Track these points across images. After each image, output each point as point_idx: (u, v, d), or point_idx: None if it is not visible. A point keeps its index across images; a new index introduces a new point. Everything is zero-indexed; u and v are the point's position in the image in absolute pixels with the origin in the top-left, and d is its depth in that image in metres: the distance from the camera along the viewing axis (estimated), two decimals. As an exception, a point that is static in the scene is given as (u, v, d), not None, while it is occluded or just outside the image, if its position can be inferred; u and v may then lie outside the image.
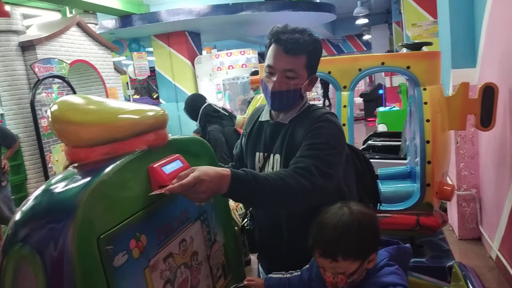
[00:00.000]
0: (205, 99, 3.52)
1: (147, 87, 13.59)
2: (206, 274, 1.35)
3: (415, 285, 1.41)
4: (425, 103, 2.46)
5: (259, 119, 1.55)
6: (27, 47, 5.03)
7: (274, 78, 1.37)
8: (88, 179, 0.93)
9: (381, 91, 10.51)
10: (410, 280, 1.43)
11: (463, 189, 3.54)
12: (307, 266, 1.34)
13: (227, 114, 3.42)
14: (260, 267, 1.70)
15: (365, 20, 12.62)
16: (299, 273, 1.36)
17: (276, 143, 1.45)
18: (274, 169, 1.43)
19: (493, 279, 2.92)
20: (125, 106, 1.17)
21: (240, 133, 3.14)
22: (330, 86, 11.08)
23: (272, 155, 1.46)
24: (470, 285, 1.23)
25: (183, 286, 1.21)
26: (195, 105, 3.45)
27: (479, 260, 3.20)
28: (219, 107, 3.47)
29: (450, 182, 3.37)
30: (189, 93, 9.37)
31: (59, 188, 0.95)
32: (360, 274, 1.09)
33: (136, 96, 12.57)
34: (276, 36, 1.35)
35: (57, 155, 5.27)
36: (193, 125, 3.62)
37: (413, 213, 2.55)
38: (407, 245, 1.23)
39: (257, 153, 1.51)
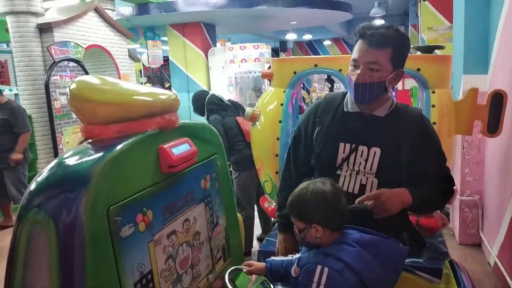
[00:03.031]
0: (209, 91, 3.62)
1: (159, 76, 13.68)
2: (206, 254, 1.40)
3: (406, 280, 1.45)
4: (433, 106, 2.47)
5: (343, 109, 1.52)
6: (45, 29, 5.12)
7: (358, 71, 1.39)
8: (102, 153, 0.99)
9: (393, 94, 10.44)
10: (403, 275, 1.48)
11: (466, 195, 3.55)
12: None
13: (230, 104, 3.48)
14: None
15: (382, 21, 12.55)
16: (299, 255, 1.42)
17: (372, 136, 1.44)
18: (369, 162, 1.43)
19: (489, 285, 2.94)
20: (139, 88, 1.23)
21: (246, 127, 3.20)
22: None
23: (366, 148, 1.45)
24: (460, 281, 1.27)
25: (184, 263, 1.27)
26: (201, 98, 3.54)
27: (477, 265, 3.22)
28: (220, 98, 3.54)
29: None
30: (201, 84, 9.46)
31: (73, 160, 1.01)
32: (312, 237, 1.27)
33: (148, 85, 12.67)
34: (362, 32, 1.39)
35: (68, 137, 5.37)
36: (202, 119, 3.70)
37: (413, 214, 2.58)
38: (403, 246, 1.32)
39: (342, 144, 1.47)
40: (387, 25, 1.41)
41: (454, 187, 1.73)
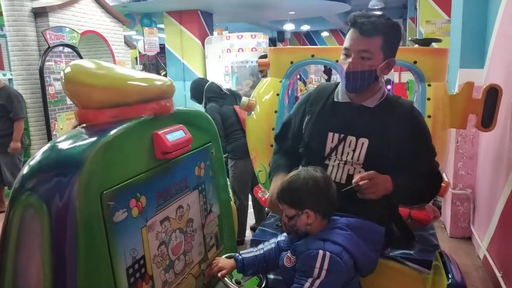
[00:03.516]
0: (207, 80, 3.62)
1: (155, 64, 13.57)
2: (199, 241, 1.41)
3: (397, 271, 1.47)
4: (428, 99, 2.48)
5: (334, 99, 1.53)
6: (39, 13, 5.04)
7: (350, 60, 1.40)
8: (96, 138, 0.99)
9: (389, 87, 10.47)
10: (394, 266, 1.50)
11: (459, 188, 3.58)
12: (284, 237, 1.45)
13: (228, 93, 3.49)
14: None
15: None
16: (273, 245, 1.44)
17: (360, 126, 1.45)
18: (357, 152, 1.44)
19: (478, 278, 2.99)
20: (134, 73, 1.22)
21: (243, 115, 3.21)
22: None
23: (354, 138, 1.45)
24: (450, 272, 1.29)
25: (176, 250, 1.27)
26: (200, 86, 3.54)
27: (467, 258, 3.26)
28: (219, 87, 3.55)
29: (446, 179, 3.41)
30: (197, 73, 9.40)
31: (67, 144, 1.01)
32: (302, 224, 1.29)
33: (144, 72, 12.54)
34: (353, 20, 1.39)
35: (62, 123, 5.33)
36: (197, 105, 3.70)
37: (404, 206, 2.60)
38: (380, 226, 1.36)
39: (330, 133, 1.48)
40: (378, 14, 1.41)
41: (443, 183, 1.76)
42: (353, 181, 1.33)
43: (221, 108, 3.38)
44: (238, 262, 1.42)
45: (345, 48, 1.42)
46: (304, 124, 1.55)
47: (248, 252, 1.46)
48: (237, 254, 1.45)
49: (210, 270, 1.43)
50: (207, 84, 3.50)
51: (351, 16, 1.41)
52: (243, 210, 3.42)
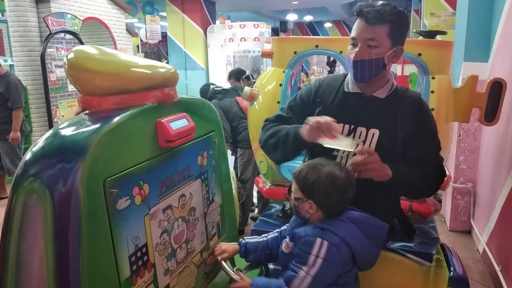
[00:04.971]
0: (210, 85, 3.85)
1: (157, 52, 13.51)
2: (201, 230, 1.41)
3: (398, 263, 1.47)
4: (432, 91, 2.46)
5: (345, 90, 1.51)
6: (41, -1, 5.01)
7: (357, 49, 1.39)
8: (99, 124, 0.98)
9: (391, 80, 10.44)
10: (394, 258, 1.50)
11: (460, 182, 3.58)
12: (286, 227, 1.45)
13: (228, 89, 3.66)
14: None
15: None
16: (276, 234, 1.44)
17: (371, 117, 1.44)
18: (367, 143, 1.43)
19: (477, 271, 3.00)
20: (138, 60, 1.21)
21: (245, 105, 3.24)
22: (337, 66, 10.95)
23: (365, 129, 1.44)
24: (451, 264, 1.29)
25: (178, 238, 1.27)
26: (204, 92, 3.76)
27: (466, 252, 3.28)
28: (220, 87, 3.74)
29: (447, 173, 3.41)
30: (199, 62, 9.37)
31: (70, 131, 1.00)
32: (303, 209, 1.29)
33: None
34: (359, 10, 1.39)
35: (64, 110, 5.32)
36: (199, 94, 3.88)
37: (406, 199, 2.60)
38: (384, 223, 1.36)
39: (341, 124, 1.44)
40: (384, 2, 1.39)
41: (445, 178, 1.75)
42: (352, 151, 1.32)
43: (221, 101, 3.50)
44: (241, 246, 1.44)
45: (352, 38, 1.42)
46: (314, 115, 1.49)
47: (252, 238, 1.48)
48: (241, 239, 1.47)
49: (212, 256, 1.44)
50: (201, 88, 3.78)
51: (357, 6, 1.40)
52: (249, 198, 3.51)
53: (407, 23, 1.45)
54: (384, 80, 1.46)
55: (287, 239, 1.35)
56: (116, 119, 1.00)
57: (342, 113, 1.46)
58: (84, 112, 1.11)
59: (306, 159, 1.59)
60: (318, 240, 1.23)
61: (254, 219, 3.71)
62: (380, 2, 1.39)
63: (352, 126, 1.46)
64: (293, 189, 1.33)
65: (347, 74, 1.55)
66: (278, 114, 1.62)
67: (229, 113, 3.46)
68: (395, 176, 1.35)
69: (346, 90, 1.51)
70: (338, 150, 1.45)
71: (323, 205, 1.28)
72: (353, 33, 1.42)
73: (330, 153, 1.44)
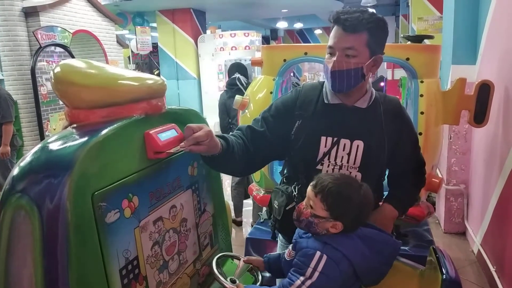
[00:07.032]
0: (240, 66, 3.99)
1: (148, 63, 13.51)
2: (193, 241, 1.40)
3: (391, 267, 1.47)
4: (421, 95, 2.48)
5: (324, 101, 1.44)
6: (30, 13, 5.00)
7: (334, 58, 1.33)
8: (86, 138, 0.98)
9: (382, 84, 10.50)
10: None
11: (452, 184, 3.60)
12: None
13: (244, 85, 3.70)
14: (281, 236, 1.67)
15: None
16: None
17: (354, 129, 1.39)
18: (352, 156, 1.39)
19: (472, 272, 3.01)
20: (125, 72, 1.21)
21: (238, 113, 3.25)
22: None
23: (348, 141, 1.39)
24: (443, 267, 1.29)
25: (170, 250, 1.27)
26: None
27: (461, 253, 3.29)
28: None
29: (439, 175, 3.43)
30: (191, 72, 9.37)
31: (57, 145, 1.00)
32: (321, 227, 1.22)
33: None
34: (336, 17, 1.33)
35: (55, 123, 5.29)
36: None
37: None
38: (398, 240, 1.33)
39: (323, 137, 1.40)
40: (362, 9, 1.34)
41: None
42: None
43: (226, 98, 3.65)
44: (264, 258, 1.45)
45: (330, 47, 1.36)
46: (294, 130, 1.44)
47: (273, 253, 1.48)
48: (265, 255, 1.47)
49: (205, 269, 1.43)
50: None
51: (334, 13, 1.34)
52: (245, 193, 3.64)
53: (386, 31, 1.37)
54: (363, 89, 1.42)
55: (290, 247, 1.33)
56: (103, 132, 1.00)
57: (324, 125, 1.41)
58: (71, 126, 1.11)
59: (285, 172, 1.58)
60: (318, 253, 1.19)
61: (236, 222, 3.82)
62: (358, 9, 1.34)
63: (335, 139, 1.40)
64: (312, 204, 1.23)
65: (323, 82, 1.48)
66: (250, 126, 1.47)
67: (230, 111, 3.52)
68: (401, 211, 1.46)
69: (326, 101, 1.44)
70: (322, 164, 1.41)
71: (349, 226, 1.22)
72: (330, 42, 1.36)
73: (315, 167, 1.41)
